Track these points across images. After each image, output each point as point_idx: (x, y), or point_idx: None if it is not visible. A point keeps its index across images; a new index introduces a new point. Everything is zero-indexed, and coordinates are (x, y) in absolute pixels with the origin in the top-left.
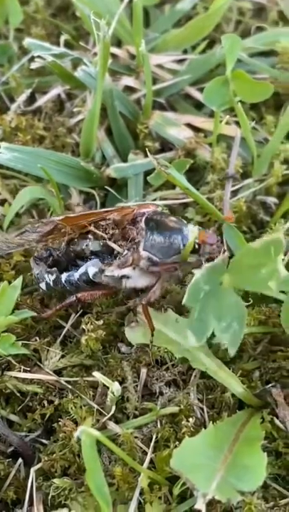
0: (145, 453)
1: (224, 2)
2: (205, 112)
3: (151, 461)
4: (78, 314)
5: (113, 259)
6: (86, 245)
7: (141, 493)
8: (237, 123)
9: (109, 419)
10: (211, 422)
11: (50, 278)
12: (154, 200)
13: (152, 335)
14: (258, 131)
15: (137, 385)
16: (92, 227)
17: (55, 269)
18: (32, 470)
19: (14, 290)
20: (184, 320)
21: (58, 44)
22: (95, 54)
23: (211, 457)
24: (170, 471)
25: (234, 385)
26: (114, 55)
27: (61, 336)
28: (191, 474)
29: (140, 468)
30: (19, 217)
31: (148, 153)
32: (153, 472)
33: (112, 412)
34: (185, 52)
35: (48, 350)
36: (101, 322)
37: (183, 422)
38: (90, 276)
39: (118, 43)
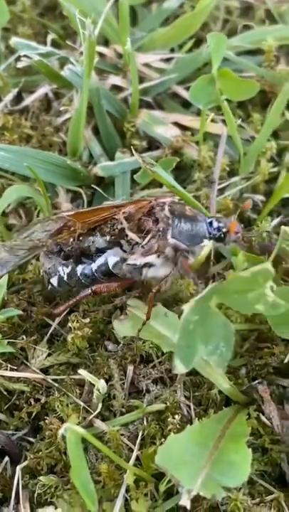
0: (131, 450)
1: (210, 1)
2: (192, 110)
3: (138, 459)
4: (65, 312)
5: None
6: (93, 242)
7: (127, 490)
8: (224, 121)
9: (96, 416)
10: (197, 418)
11: (64, 271)
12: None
13: (144, 323)
14: (244, 130)
15: (123, 383)
16: (117, 217)
17: (70, 260)
18: (18, 468)
19: (0, 289)
20: (172, 314)
21: (44, 43)
22: (82, 53)
23: (196, 454)
24: (156, 468)
25: (221, 381)
26: (101, 54)
27: (48, 335)
28: (176, 471)
29: (126, 465)
30: (6, 217)
31: (133, 152)
32: (139, 469)
33: (98, 409)
34: (172, 51)
35: (34, 348)
36: (88, 320)
37: (169, 419)
38: (110, 267)
39: (105, 42)
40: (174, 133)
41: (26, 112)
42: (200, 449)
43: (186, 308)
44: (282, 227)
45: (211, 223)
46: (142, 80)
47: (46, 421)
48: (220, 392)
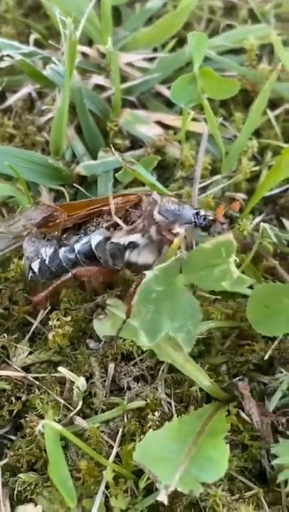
0: (112, 447)
1: (192, 0)
2: (176, 110)
3: (118, 455)
4: (47, 311)
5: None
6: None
7: (107, 487)
8: (206, 120)
9: (77, 414)
10: (177, 415)
11: (47, 252)
12: None
13: (124, 322)
14: (227, 128)
15: (104, 381)
16: (105, 209)
17: (54, 241)
18: None
19: None
20: None
21: (28, 43)
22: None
23: (175, 450)
24: (136, 464)
25: (201, 378)
26: (84, 54)
27: (29, 333)
28: (154, 467)
29: (105, 462)
30: None
31: (113, 151)
32: (118, 466)
33: (78, 407)
34: (155, 50)
35: (16, 346)
36: (69, 318)
37: (149, 416)
38: (93, 246)
39: (89, 42)
40: (157, 132)
41: (9, 112)
42: (178, 445)
43: (148, 274)
44: (261, 224)
45: (197, 213)
46: (125, 79)
47: (27, 419)
48: (201, 389)
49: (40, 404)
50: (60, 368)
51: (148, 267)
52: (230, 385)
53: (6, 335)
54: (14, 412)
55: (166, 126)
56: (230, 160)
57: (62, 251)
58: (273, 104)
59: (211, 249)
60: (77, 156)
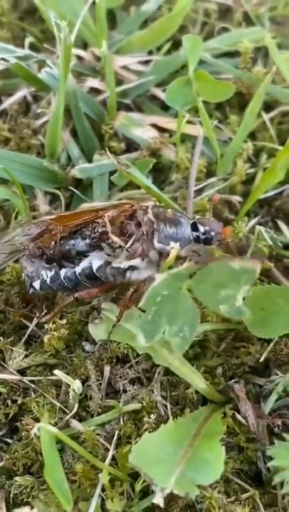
0: (108, 450)
1: (186, 3)
2: (171, 112)
3: (114, 458)
4: (43, 314)
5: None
6: (74, 245)
7: (103, 490)
8: (201, 123)
9: (73, 417)
10: (173, 418)
11: (48, 274)
12: (120, 199)
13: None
14: (222, 131)
15: (100, 383)
16: (99, 221)
17: (54, 264)
18: None
19: None
20: None
21: (23, 47)
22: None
23: (171, 452)
24: (132, 467)
25: (197, 380)
26: (80, 57)
27: (25, 336)
28: (150, 469)
29: (101, 465)
30: None
31: (108, 154)
32: (114, 468)
33: (74, 410)
34: (150, 53)
35: (11, 350)
36: (64, 321)
37: (145, 419)
38: (94, 270)
39: (84, 45)
40: (152, 135)
41: (5, 115)
42: (174, 448)
43: (158, 278)
44: (257, 226)
45: (196, 227)
46: (120, 82)
47: (23, 422)
48: (197, 391)
49: (36, 407)
50: (56, 371)
51: (148, 278)
52: (226, 387)
53: (1, 338)
54: (10, 415)
55: (161, 129)
56: (226, 162)
57: (63, 272)
58: (268, 106)
59: (232, 270)
60: (72, 159)
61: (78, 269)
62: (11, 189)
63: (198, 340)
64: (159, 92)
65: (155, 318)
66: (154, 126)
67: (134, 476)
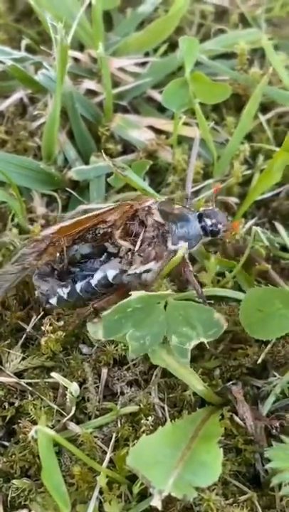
0: (105, 452)
1: (183, 5)
2: (168, 114)
3: (111, 461)
4: (39, 316)
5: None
6: (77, 250)
7: (101, 492)
8: (198, 125)
9: (70, 419)
10: (170, 420)
11: (64, 291)
12: (117, 201)
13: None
14: (219, 133)
15: (98, 386)
16: (102, 226)
17: (69, 281)
18: None
19: None
20: None
21: (19, 48)
22: None
23: (168, 454)
24: (129, 469)
25: (195, 382)
26: (76, 59)
27: (22, 339)
28: (147, 471)
29: (98, 467)
30: None
31: (104, 156)
32: (112, 471)
33: (72, 412)
34: (147, 55)
35: (9, 352)
36: (62, 323)
37: (142, 421)
38: (110, 280)
39: (81, 47)
40: (149, 136)
41: (1, 117)
42: (172, 450)
43: (134, 294)
44: (254, 227)
45: (202, 219)
46: (117, 84)
47: (20, 424)
48: (194, 393)
49: (33, 409)
50: (53, 374)
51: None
52: (223, 389)
53: None
54: (7, 418)
55: (158, 131)
56: (223, 164)
57: (79, 286)
58: (265, 108)
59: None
60: (69, 161)
61: (94, 281)
62: (7, 191)
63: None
64: (155, 94)
65: (121, 320)
66: (151, 128)
67: (132, 478)
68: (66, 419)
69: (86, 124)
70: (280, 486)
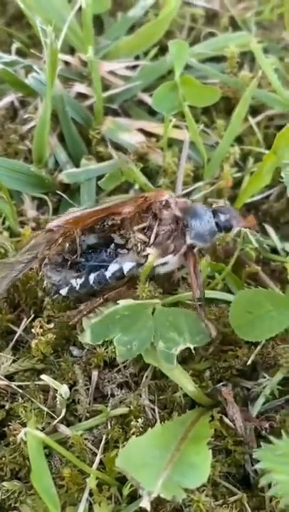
0: (95, 454)
1: (173, 8)
2: (158, 117)
3: (102, 463)
4: (30, 319)
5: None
6: (85, 240)
7: (91, 494)
8: (188, 127)
9: (61, 422)
10: (161, 422)
11: (77, 282)
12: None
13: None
14: (209, 135)
15: (88, 388)
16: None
17: (84, 272)
18: None
19: None
20: None
21: (10, 52)
22: None
23: (158, 456)
24: (119, 471)
25: (185, 382)
26: (67, 63)
27: (13, 341)
28: (136, 473)
29: (88, 469)
30: None
31: (110, 148)
32: (102, 473)
33: (62, 414)
34: (137, 58)
35: None
36: (52, 325)
37: (132, 423)
38: (125, 272)
39: (71, 50)
40: (139, 139)
41: None
42: (161, 452)
43: (122, 303)
44: (243, 229)
45: (217, 216)
46: (107, 87)
47: (10, 427)
48: (185, 395)
49: (23, 412)
50: (43, 376)
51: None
52: (213, 390)
53: None
54: None
55: (148, 134)
56: (213, 166)
57: (92, 278)
58: (255, 110)
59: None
60: (59, 164)
61: (108, 273)
62: None
63: None
64: (146, 97)
65: (109, 325)
66: (141, 130)
67: (122, 480)
68: (56, 421)
69: (77, 127)
70: (269, 486)
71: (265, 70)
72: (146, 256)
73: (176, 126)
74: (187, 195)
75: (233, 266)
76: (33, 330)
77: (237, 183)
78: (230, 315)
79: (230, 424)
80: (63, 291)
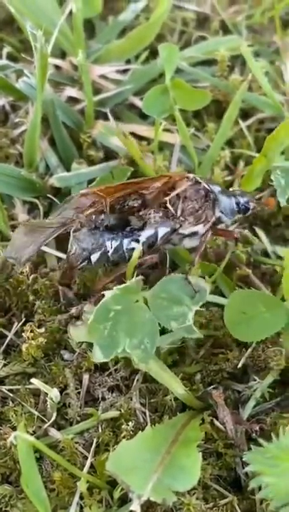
0: (86, 458)
1: (163, 12)
2: (150, 121)
3: (92, 466)
4: (21, 323)
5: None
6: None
7: (81, 498)
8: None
9: (51, 425)
10: (151, 425)
11: (112, 245)
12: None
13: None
14: (200, 139)
15: (79, 392)
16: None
17: (119, 234)
18: None
19: None
20: None
21: (1, 56)
22: None
23: (148, 459)
24: (110, 474)
25: (175, 386)
26: (58, 67)
27: (4, 345)
28: (126, 476)
29: (78, 473)
30: None
31: (112, 121)
32: (92, 476)
33: (52, 418)
34: (128, 62)
35: None
36: (43, 330)
37: (123, 426)
38: (159, 238)
39: (63, 54)
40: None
41: None
42: (152, 455)
43: (107, 294)
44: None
45: (237, 197)
46: (98, 91)
47: (1, 431)
48: (175, 398)
49: (14, 416)
50: (33, 380)
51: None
52: (204, 393)
53: None
54: None
55: (139, 137)
56: (204, 170)
57: (126, 242)
58: (246, 114)
59: (187, 287)
60: (50, 168)
61: (142, 238)
62: None
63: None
64: (137, 101)
65: (112, 333)
66: (133, 134)
67: (113, 483)
68: (47, 425)
69: (68, 131)
70: (259, 489)
71: (255, 73)
72: (183, 221)
73: (167, 130)
74: None
75: (224, 269)
76: (23, 334)
77: (228, 187)
78: (225, 314)
79: (221, 427)
80: (94, 257)
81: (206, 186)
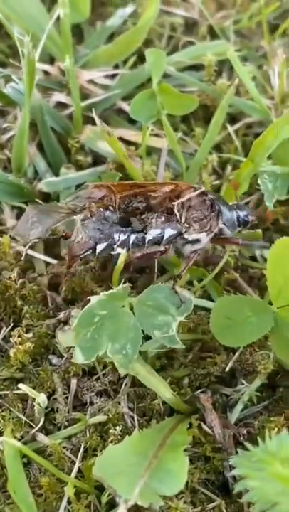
0: (74, 463)
1: (151, 17)
2: (138, 126)
3: (80, 471)
4: (9, 328)
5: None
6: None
7: (69, 503)
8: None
9: (39, 430)
10: (139, 429)
11: (120, 237)
12: None
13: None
14: (188, 144)
15: (67, 397)
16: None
17: (129, 228)
18: None
19: None
20: None
21: None
22: None
23: (135, 463)
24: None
25: (163, 390)
26: (46, 72)
27: None
28: (113, 480)
29: (66, 478)
30: None
31: (96, 119)
32: (80, 481)
33: (40, 423)
34: (116, 67)
35: None
36: (31, 335)
37: (111, 431)
38: (165, 238)
39: (51, 59)
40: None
41: None
42: (139, 459)
43: (92, 299)
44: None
45: (237, 211)
46: (87, 96)
47: None
48: (164, 402)
49: (1, 421)
50: (20, 385)
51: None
52: (192, 397)
53: None
54: None
55: (127, 142)
56: (191, 174)
57: (132, 237)
58: (233, 118)
59: (173, 296)
60: (39, 173)
61: (149, 236)
62: None
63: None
64: (125, 106)
65: (95, 336)
66: (121, 139)
67: (101, 488)
68: (34, 430)
69: (56, 136)
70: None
71: (242, 77)
72: (188, 228)
73: (155, 135)
74: None
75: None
76: (11, 339)
77: (215, 191)
78: (211, 320)
79: (209, 431)
80: (100, 247)
81: (212, 197)
